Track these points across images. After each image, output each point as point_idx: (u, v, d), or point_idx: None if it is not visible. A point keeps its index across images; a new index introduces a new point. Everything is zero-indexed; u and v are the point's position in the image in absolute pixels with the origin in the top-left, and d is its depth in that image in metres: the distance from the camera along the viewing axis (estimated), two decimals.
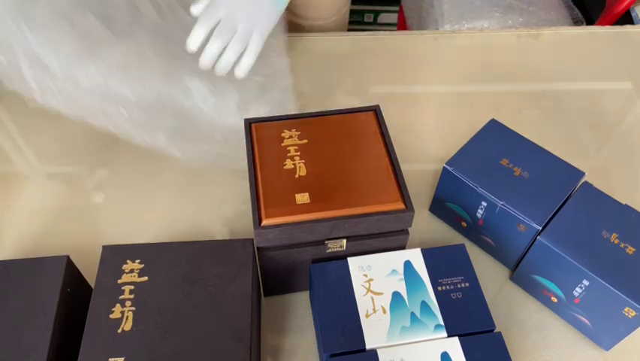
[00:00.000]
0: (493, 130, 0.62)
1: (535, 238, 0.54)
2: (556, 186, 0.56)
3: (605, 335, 0.54)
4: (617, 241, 0.52)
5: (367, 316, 0.49)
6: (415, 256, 0.53)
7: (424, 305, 0.50)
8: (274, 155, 0.55)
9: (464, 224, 0.62)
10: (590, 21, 1.48)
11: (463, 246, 0.55)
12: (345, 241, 0.52)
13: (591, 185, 0.57)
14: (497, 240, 0.59)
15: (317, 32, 0.93)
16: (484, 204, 0.57)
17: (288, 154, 0.55)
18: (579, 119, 0.77)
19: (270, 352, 0.55)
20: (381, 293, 0.51)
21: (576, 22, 1.27)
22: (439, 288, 0.51)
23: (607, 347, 0.55)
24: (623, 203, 0.55)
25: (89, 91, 0.58)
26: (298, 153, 0.55)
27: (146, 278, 0.49)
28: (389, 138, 0.56)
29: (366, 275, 0.52)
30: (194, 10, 0.57)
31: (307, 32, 0.93)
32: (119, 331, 0.46)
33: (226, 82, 0.62)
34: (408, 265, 0.53)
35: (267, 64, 0.67)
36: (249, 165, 0.54)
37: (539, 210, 0.54)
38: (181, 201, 0.67)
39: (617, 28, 0.92)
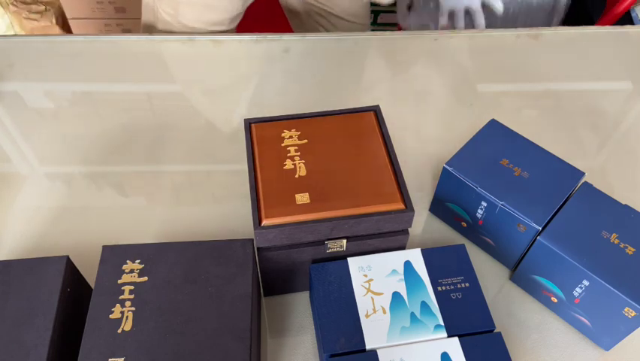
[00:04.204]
0: (493, 130, 0.62)
1: (535, 238, 0.54)
2: (557, 186, 0.56)
3: (605, 335, 0.54)
4: (617, 241, 0.52)
5: (367, 316, 0.49)
6: (415, 257, 0.53)
7: (424, 305, 0.50)
8: (274, 155, 0.55)
9: (464, 224, 0.62)
10: (590, 21, 1.48)
11: (463, 246, 0.55)
12: (345, 241, 0.52)
13: (591, 185, 0.57)
14: (497, 240, 0.59)
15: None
16: (484, 204, 0.57)
17: (288, 154, 0.55)
18: (579, 119, 0.77)
19: (270, 352, 0.55)
20: (381, 293, 0.51)
21: None
22: (439, 288, 0.51)
23: (607, 347, 0.55)
24: (623, 203, 0.55)
25: None
26: (298, 153, 0.55)
27: (146, 278, 0.49)
28: (389, 138, 0.56)
29: (366, 275, 0.52)
30: None
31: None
32: (119, 331, 0.46)
33: None
34: (408, 265, 0.53)
35: None
36: (249, 165, 0.54)
37: (539, 210, 0.54)
38: (181, 201, 0.67)
39: (617, 28, 0.92)
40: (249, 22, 1.28)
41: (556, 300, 0.56)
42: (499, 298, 0.59)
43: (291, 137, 0.56)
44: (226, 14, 0.94)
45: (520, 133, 0.61)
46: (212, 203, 0.67)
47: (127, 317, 0.46)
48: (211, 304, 0.47)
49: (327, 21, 1.06)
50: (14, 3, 1.09)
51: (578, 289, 0.53)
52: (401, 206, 0.51)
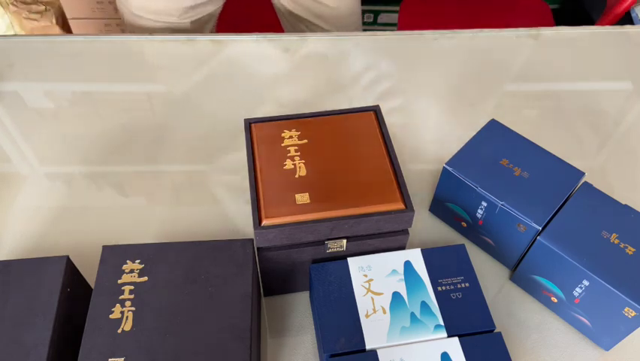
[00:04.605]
0: (493, 130, 0.62)
1: (535, 238, 0.54)
2: (556, 186, 0.56)
3: (605, 335, 0.54)
4: (617, 241, 0.52)
5: (367, 316, 0.49)
6: (415, 257, 0.53)
7: (424, 305, 0.50)
8: (274, 155, 0.55)
9: (464, 224, 0.62)
10: (590, 21, 1.48)
11: (463, 246, 0.55)
12: (345, 241, 0.52)
13: (591, 185, 0.57)
14: (497, 240, 0.59)
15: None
16: (484, 204, 0.57)
17: (288, 154, 0.55)
18: (579, 119, 0.77)
19: (270, 352, 0.55)
20: (381, 293, 0.51)
21: None
22: (439, 288, 0.51)
23: (607, 347, 0.55)
24: (623, 203, 0.55)
25: None
26: (298, 153, 0.55)
27: (146, 278, 0.49)
28: (389, 138, 0.56)
29: (366, 275, 0.52)
30: None
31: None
32: (119, 331, 0.46)
33: None
34: (408, 265, 0.53)
35: None
36: (249, 165, 0.54)
37: (539, 210, 0.54)
38: (181, 201, 0.67)
39: (617, 28, 0.92)
40: (246, 23, 1.28)
41: (556, 300, 0.56)
42: (499, 298, 0.59)
43: (291, 137, 0.56)
44: (171, 2, 0.89)
45: (520, 133, 0.61)
46: (212, 203, 0.67)
47: (127, 317, 0.46)
48: (211, 304, 0.47)
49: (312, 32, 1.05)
50: (14, 3, 1.09)
51: (578, 289, 0.53)
52: (401, 206, 0.51)
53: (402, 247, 0.55)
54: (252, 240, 0.52)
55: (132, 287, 0.48)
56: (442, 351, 0.47)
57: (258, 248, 0.52)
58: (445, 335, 0.48)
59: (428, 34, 0.89)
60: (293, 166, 0.54)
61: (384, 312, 0.50)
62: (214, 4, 0.98)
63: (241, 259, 0.50)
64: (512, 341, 0.56)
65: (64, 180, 0.69)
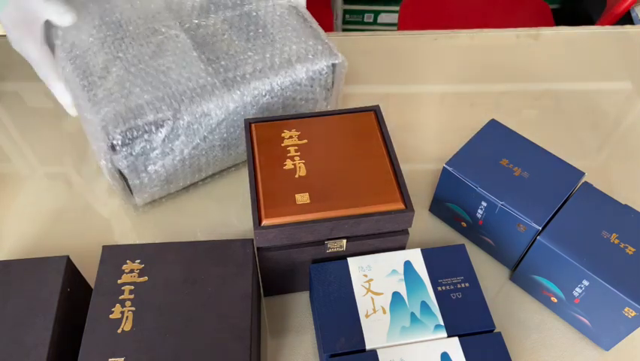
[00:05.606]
0: (493, 130, 0.62)
1: (535, 238, 0.54)
2: (556, 186, 0.56)
3: (605, 335, 0.54)
4: (617, 241, 0.52)
5: (367, 316, 0.49)
6: (415, 257, 0.53)
7: (424, 305, 0.50)
8: (274, 155, 0.55)
9: (464, 224, 0.62)
10: (590, 21, 1.48)
11: (463, 246, 0.55)
12: (345, 241, 0.52)
13: (591, 185, 0.57)
14: (497, 240, 0.59)
15: None
16: (484, 204, 0.57)
17: (288, 154, 0.55)
18: (579, 119, 0.77)
19: (270, 352, 0.55)
20: (381, 293, 0.51)
21: None
22: (439, 288, 0.51)
23: (607, 347, 0.55)
24: (623, 203, 0.55)
25: None
26: (298, 153, 0.55)
27: (146, 278, 0.49)
28: (389, 138, 0.56)
29: (366, 275, 0.52)
30: None
31: None
32: (119, 331, 0.46)
33: None
34: (408, 265, 0.53)
35: None
36: (249, 165, 0.54)
37: (539, 210, 0.54)
38: (181, 200, 0.67)
39: (617, 28, 0.92)
40: None
41: (556, 300, 0.56)
42: (499, 298, 0.59)
43: (291, 137, 0.56)
44: None
45: (520, 133, 0.61)
46: (213, 203, 0.67)
47: (127, 317, 0.46)
48: (211, 304, 0.47)
49: None
50: None
51: (577, 289, 0.53)
52: (401, 206, 0.51)
53: (402, 247, 0.55)
54: (252, 240, 0.52)
55: (132, 287, 0.48)
56: (442, 351, 0.47)
57: (258, 248, 0.52)
58: (445, 335, 0.48)
59: (428, 34, 0.89)
60: (293, 166, 0.54)
61: (384, 312, 0.50)
62: None
63: (241, 259, 0.50)
64: (512, 341, 0.56)
65: (64, 180, 0.69)
